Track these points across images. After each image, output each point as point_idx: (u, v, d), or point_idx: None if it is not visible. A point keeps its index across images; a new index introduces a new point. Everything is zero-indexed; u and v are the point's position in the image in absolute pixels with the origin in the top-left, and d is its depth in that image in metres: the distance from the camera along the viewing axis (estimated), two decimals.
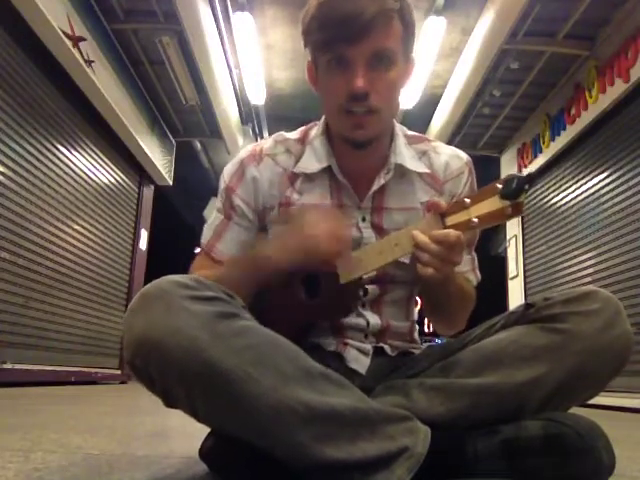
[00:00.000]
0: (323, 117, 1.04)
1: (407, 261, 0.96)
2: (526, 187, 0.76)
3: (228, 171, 1.04)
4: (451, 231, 0.82)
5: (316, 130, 1.05)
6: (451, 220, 0.83)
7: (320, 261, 0.87)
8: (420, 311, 1.15)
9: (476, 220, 0.81)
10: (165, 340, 0.69)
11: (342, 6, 0.85)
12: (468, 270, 1.08)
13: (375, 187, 1.00)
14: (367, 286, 1.00)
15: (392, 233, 0.95)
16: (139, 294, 0.75)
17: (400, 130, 1.05)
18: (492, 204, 0.79)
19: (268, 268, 0.90)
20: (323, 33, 0.89)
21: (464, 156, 1.08)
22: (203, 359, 0.68)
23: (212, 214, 1.07)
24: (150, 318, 0.71)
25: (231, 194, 1.02)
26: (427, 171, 1.03)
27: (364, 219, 1.01)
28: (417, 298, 1.10)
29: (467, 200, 0.82)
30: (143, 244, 6.42)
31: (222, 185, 1.04)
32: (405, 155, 1.02)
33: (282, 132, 1.07)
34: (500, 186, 0.78)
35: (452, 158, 1.06)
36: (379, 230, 1.00)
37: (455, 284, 0.97)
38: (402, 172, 1.01)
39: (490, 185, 0.80)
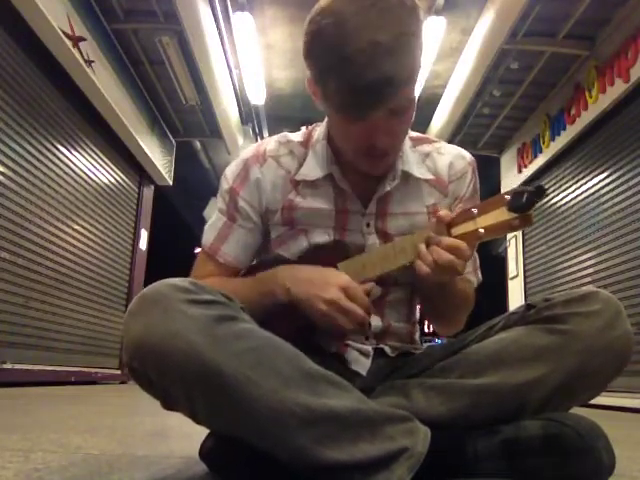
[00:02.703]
0: (326, 119, 1.01)
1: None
2: (536, 200, 0.75)
3: (231, 172, 1.02)
4: (457, 241, 0.82)
5: (318, 132, 1.03)
6: (457, 230, 0.83)
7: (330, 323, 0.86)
8: (420, 311, 1.15)
9: (482, 231, 0.80)
10: (163, 344, 0.69)
11: (368, 72, 0.76)
12: (469, 271, 1.07)
13: (380, 193, 0.99)
14: None
15: (397, 239, 0.94)
16: (138, 297, 0.75)
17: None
18: (499, 215, 0.78)
19: (281, 298, 0.89)
20: (344, 98, 0.82)
21: (467, 156, 1.07)
22: (202, 362, 0.68)
23: (213, 214, 1.05)
24: (148, 321, 0.71)
25: (235, 196, 1.00)
26: (432, 177, 1.02)
27: (368, 225, 0.99)
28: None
29: (474, 210, 0.81)
30: (143, 244, 6.42)
31: (225, 186, 1.02)
32: (412, 162, 1.00)
33: (285, 133, 1.05)
34: (509, 197, 0.77)
35: (456, 158, 1.05)
36: (384, 235, 0.99)
37: (455, 285, 0.97)
38: (407, 178, 1.00)
39: (498, 196, 0.79)
